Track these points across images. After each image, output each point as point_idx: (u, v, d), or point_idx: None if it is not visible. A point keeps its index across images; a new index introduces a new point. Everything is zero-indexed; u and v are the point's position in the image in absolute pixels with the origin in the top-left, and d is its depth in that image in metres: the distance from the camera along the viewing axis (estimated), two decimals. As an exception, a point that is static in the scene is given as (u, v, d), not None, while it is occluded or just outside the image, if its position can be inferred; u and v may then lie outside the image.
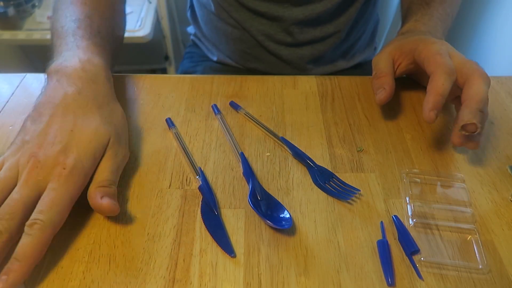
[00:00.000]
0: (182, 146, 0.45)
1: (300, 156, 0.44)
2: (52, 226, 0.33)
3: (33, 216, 0.33)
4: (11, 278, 0.31)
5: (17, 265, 0.31)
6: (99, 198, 0.35)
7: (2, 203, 0.34)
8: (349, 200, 0.41)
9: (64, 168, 0.35)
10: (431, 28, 0.54)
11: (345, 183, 0.42)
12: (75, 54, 0.42)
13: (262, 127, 0.48)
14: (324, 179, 0.42)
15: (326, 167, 0.44)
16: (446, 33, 0.57)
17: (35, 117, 0.38)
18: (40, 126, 0.37)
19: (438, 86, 0.41)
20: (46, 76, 0.42)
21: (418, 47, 0.47)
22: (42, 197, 0.34)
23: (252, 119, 0.49)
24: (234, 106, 0.51)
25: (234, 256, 0.36)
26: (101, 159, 0.38)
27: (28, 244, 0.32)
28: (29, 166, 0.35)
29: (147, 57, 1.63)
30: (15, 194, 0.34)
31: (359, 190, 0.41)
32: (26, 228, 0.33)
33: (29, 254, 0.32)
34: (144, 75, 0.56)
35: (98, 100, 0.40)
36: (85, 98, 0.39)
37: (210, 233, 0.37)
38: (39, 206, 0.34)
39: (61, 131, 0.37)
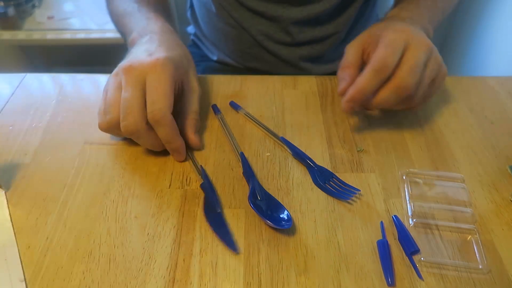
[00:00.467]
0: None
1: (299, 156, 0.44)
2: (169, 109, 0.39)
3: (149, 109, 0.39)
4: (180, 154, 0.43)
5: (172, 145, 0.41)
6: (192, 133, 0.44)
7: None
8: (349, 200, 0.41)
9: (157, 59, 0.40)
10: (414, 15, 0.52)
11: (345, 183, 0.42)
12: (149, 23, 0.50)
13: (262, 127, 0.48)
14: (324, 179, 0.42)
15: (326, 167, 0.44)
16: (435, 25, 0.55)
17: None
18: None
19: (360, 80, 0.42)
20: (130, 45, 0.48)
21: (382, 33, 0.45)
22: (147, 92, 0.39)
23: (252, 119, 0.49)
24: (234, 106, 0.51)
25: (238, 253, 0.36)
26: (183, 93, 0.45)
27: (164, 131, 0.40)
28: (125, 72, 0.40)
29: (148, 57, 1.62)
30: (123, 94, 0.39)
31: (359, 190, 0.41)
32: (152, 123, 0.39)
33: (171, 138, 0.41)
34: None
35: (178, 42, 0.48)
36: (168, 42, 0.45)
37: (213, 231, 0.37)
38: (149, 99, 0.39)
39: (148, 47, 0.43)
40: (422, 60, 0.43)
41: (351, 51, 0.47)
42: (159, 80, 0.40)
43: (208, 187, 0.41)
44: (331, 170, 0.44)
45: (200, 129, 0.48)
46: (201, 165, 0.44)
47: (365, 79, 0.42)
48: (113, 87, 0.41)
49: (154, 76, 0.40)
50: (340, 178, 0.43)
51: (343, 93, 0.45)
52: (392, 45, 0.42)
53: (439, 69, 0.45)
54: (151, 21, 0.50)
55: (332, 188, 0.41)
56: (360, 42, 0.48)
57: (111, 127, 0.41)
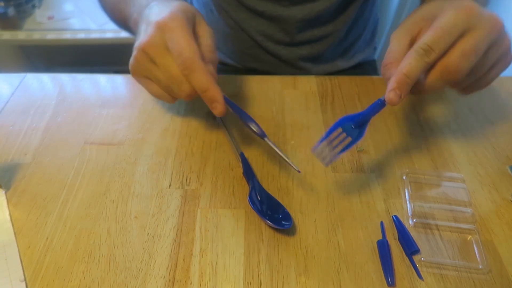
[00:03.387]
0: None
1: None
2: (196, 54, 0.39)
3: (178, 61, 0.39)
4: (220, 103, 0.40)
5: (210, 92, 0.39)
6: (221, 98, 0.41)
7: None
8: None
9: (164, 19, 0.39)
10: None
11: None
12: None
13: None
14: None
15: (326, 167, 0.44)
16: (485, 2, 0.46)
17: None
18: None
19: (404, 64, 0.37)
20: (134, 27, 0.47)
21: (440, 13, 0.38)
22: (171, 50, 0.39)
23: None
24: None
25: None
26: (196, 36, 0.43)
27: (198, 77, 0.39)
28: (148, 49, 0.40)
29: (148, 57, 1.63)
30: (160, 70, 0.40)
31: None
32: (186, 74, 0.39)
33: (207, 84, 0.39)
34: (144, 75, 0.56)
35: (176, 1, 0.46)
36: (167, 3, 0.44)
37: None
38: (175, 54, 0.39)
39: (153, 18, 0.42)
40: (484, 44, 0.36)
41: (396, 42, 0.41)
42: (176, 33, 0.39)
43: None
44: (331, 170, 0.43)
45: (200, 129, 0.48)
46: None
47: (408, 65, 0.36)
48: (149, 68, 0.41)
49: (170, 33, 0.39)
50: (340, 178, 0.43)
51: (395, 104, 0.39)
52: (447, 26, 0.36)
53: (503, 55, 0.39)
54: None
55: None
56: (408, 29, 0.41)
57: (188, 98, 0.42)
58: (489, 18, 0.37)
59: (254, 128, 0.42)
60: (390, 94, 0.37)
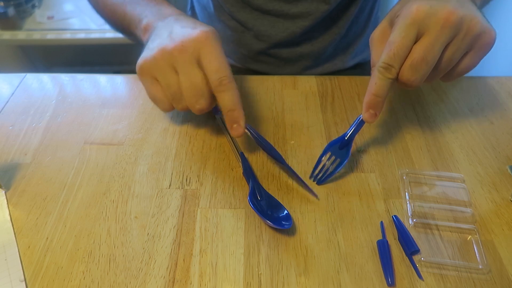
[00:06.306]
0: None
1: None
2: (232, 74, 0.39)
3: (214, 77, 0.39)
4: (240, 125, 0.41)
5: (236, 112, 0.40)
6: (243, 120, 0.41)
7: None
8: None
9: (205, 32, 0.40)
10: None
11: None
12: (161, 8, 0.48)
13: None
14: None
15: (326, 167, 0.44)
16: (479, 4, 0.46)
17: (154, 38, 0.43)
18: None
19: (371, 85, 0.39)
20: (144, 32, 0.46)
21: (400, 14, 0.38)
22: (206, 64, 0.39)
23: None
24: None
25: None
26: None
27: (230, 97, 0.40)
28: (179, 52, 0.39)
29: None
30: (185, 77, 0.40)
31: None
32: (219, 90, 0.39)
33: (236, 104, 0.40)
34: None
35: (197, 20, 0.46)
36: (194, 19, 0.45)
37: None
38: (211, 69, 0.39)
39: (183, 24, 0.42)
40: (436, 47, 0.37)
41: (376, 44, 0.42)
42: (215, 49, 0.40)
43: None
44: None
45: (200, 129, 0.48)
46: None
47: (374, 85, 0.39)
48: (167, 71, 0.40)
49: (209, 48, 0.39)
50: (340, 178, 0.43)
51: (371, 120, 0.41)
52: (398, 39, 0.37)
53: (473, 41, 0.38)
54: (162, 6, 0.49)
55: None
56: (385, 30, 0.42)
57: (181, 110, 0.43)
58: (440, 13, 0.36)
59: (276, 156, 0.43)
60: (365, 115, 0.40)
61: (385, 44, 0.39)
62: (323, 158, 0.43)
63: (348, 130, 0.43)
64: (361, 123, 0.42)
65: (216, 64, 0.39)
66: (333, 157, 0.43)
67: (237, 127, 0.41)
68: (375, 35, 0.43)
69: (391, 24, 0.40)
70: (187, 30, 0.40)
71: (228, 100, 0.40)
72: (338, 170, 0.42)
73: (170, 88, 0.41)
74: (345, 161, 0.42)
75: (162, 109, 0.44)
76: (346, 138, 0.43)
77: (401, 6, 0.40)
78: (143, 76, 0.42)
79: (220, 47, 0.40)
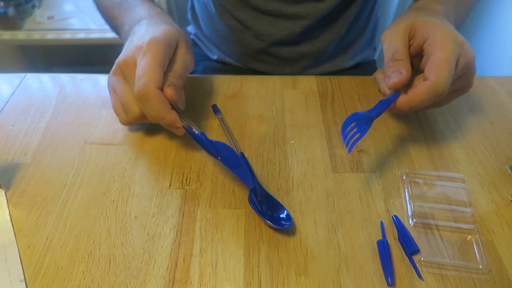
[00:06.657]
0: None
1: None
2: (154, 82, 0.39)
3: (135, 86, 0.39)
4: (177, 132, 0.43)
5: (166, 120, 0.40)
6: (166, 87, 0.41)
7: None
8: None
9: (143, 43, 0.41)
10: (445, 10, 0.49)
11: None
12: (136, 11, 0.51)
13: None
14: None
15: (326, 167, 0.44)
16: (458, 23, 0.52)
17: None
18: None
19: (417, 98, 0.40)
20: (124, 38, 0.49)
21: (430, 37, 0.42)
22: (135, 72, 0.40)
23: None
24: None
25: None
26: (171, 61, 0.43)
27: (150, 106, 0.39)
28: (123, 67, 0.42)
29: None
30: (130, 88, 0.42)
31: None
32: (139, 100, 0.40)
33: (160, 113, 0.40)
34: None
35: (166, 21, 0.48)
36: (155, 25, 0.46)
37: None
38: (136, 78, 0.39)
39: (138, 37, 0.44)
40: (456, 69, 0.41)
41: (400, 42, 0.44)
42: (145, 58, 0.40)
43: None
44: (331, 170, 0.43)
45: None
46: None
47: (421, 100, 0.40)
48: (120, 84, 0.43)
49: (140, 57, 0.41)
50: (340, 178, 0.43)
51: (397, 87, 0.42)
52: (449, 60, 0.40)
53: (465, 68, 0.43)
54: (138, 8, 0.51)
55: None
56: (404, 33, 0.44)
57: (136, 121, 0.44)
58: (466, 44, 0.43)
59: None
60: (396, 110, 0.42)
61: (407, 40, 0.44)
62: (347, 128, 0.40)
63: (378, 105, 0.42)
64: (385, 102, 0.41)
65: (140, 72, 0.39)
66: (355, 129, 0.40)
67: (176, 130, 0.43)
68: (399, 33, 0.45)
69: (409, 34, 0.44)
70: (133, 45, 0.42)
71: (150, 109, 0.40)
72: (359, 140, 0.40)
73: (121, 99, 0.43)
74: (364, 134, 0.40)
75: (120, 120, 0.45)
76: (370, 114, 0.41)
77: (424, 22, 0.44)
78: (109, 89, 0.46)
79: (154, 54, 0.40)
